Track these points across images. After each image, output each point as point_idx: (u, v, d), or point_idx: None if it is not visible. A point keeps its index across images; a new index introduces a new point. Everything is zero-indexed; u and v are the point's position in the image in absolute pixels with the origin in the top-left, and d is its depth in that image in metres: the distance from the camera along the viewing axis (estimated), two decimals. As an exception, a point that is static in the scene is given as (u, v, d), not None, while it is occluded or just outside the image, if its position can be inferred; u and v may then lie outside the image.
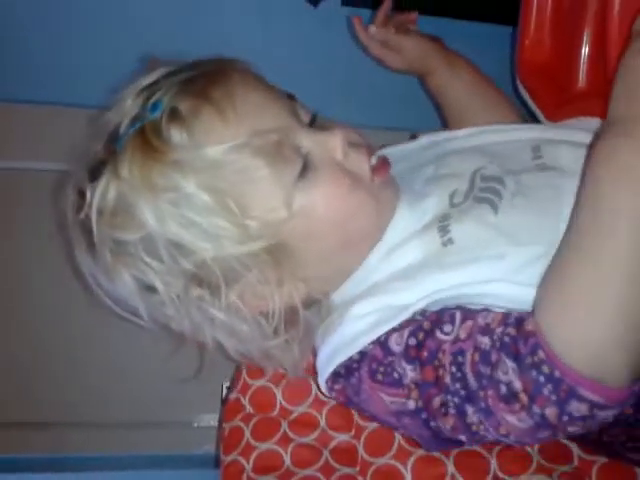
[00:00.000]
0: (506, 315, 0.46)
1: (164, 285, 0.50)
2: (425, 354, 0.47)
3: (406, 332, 0.49)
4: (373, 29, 0.72)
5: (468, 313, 0.48)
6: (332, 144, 0.52)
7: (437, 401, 0.47)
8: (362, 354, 0.50)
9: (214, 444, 1.02)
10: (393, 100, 1.11)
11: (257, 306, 0.52)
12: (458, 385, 0.46)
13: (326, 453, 0.61)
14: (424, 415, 0.48)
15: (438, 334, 0.48)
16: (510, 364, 0.43)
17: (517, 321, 0.45)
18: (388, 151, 0.65)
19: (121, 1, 1.07)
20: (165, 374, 1.03)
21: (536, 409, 0.42)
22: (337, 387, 0.53)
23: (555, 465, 0.57)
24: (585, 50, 0.60)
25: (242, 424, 0.65)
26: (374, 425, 0.61)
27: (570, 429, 0.43)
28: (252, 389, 0.66)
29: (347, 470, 0.60)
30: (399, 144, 0.68)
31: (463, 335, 0.47)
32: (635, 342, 0.41)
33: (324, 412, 0.64)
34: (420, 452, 0.58)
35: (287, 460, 0.61)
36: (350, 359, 0.51)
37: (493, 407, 0.44)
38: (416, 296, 0.50)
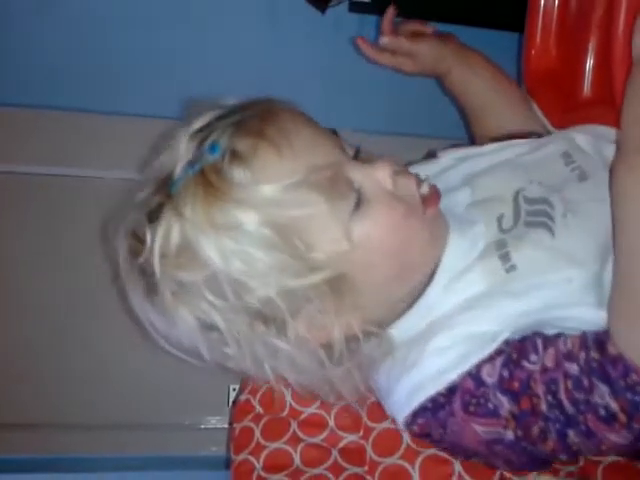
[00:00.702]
0: (583, 338, 0.49)
1: (226, 322, 0.51)
2: (517, 384, 0.49)
3: (498, 363, 0.50)
4: (385, 40, 0.73)
5: (548, 340, 0.50)
6: (381, 175, 0.53)
7: (536, 429, 0.49)
8: (451, 387, 0.51)
9: (220, 446, 1.04)
10: (405, 105, 1.11)
11: (319, 337, 0.53)
12: (557, 412, 0.48)
13: (335, 453, 0.62)
14: (524, 443, 0.50)
15: (526, 364, 0.50)
16: (604, 388, 0.46)
17: (597, 343, 0.48)
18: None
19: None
20: (173, 378, 1.05)
21: (635, 425, 0.46)
22: (420, 421, 0.53)
23: (561, 465, 0.58)
24: (590, 59, 0.62)
25: (252, 424, 0.66)
26: (382, 426, 0.62)
27: None
28: (262, 390, 0.67)
29: (355, 469, 0.61)
30: (418, 163, 0.68)
31: (550, 364, 0.49)
32: None
33: (333, 413, 0.65)
34: (428, 452, 0.59)
35: (297, 459, 0.62)
36: (437, 393, 0.52)
37: (594, 429, 0.47)
38: (494, 323, 0.51)
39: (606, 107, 0.57)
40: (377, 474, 0.60)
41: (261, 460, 0.62)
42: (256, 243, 0.49)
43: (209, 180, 0.49)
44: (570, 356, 0.48)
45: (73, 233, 1.08)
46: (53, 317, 1.06)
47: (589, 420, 0.47)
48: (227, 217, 0.49)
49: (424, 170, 0.65)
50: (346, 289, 0.52)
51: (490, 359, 0.51)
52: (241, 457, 0.64)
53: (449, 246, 0.56)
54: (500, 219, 0.57)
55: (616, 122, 0.53)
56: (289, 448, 0.63)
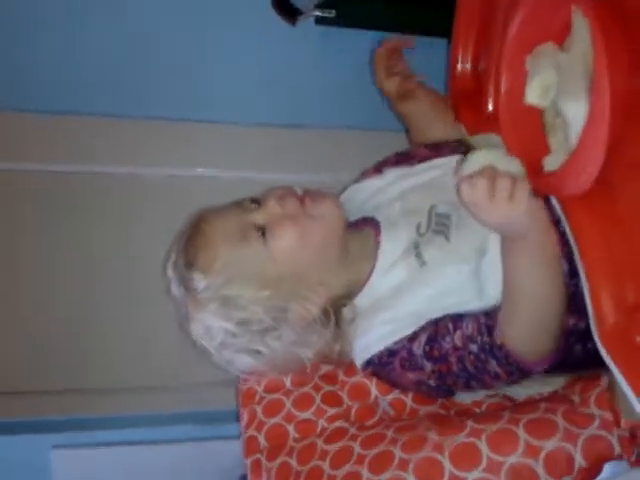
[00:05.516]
0: (479, 324, 0.73)
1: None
2: (437, 355, 0.74)
3: (423, 340, 0.75)
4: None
5: (455, 323, 0.74)
6: (269, 205, 0.79)
7: (449, 380, 0.76)
8: (393, 352, 0.77)
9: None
10: (367, 105, 1.25)
11: (307, 317, 0.79)
12: (464, 373, 0.74)
13: (316, 378, 0.85)
14: (440, 387, 0.77)
15: (442, 343, 0.74)
16: (493, 362, 0.72)
17: (487, 330, 0.72)
18: (366, 184, 0.92)
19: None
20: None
21: (510, 380, 0.75)
22: (370, 369, 0.80)
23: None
24: (491, 82, 0.80)
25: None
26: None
27: None
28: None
29: (330, 388, 0.84)
30: (369, 177, 0.93)
31: (459, 344, 0.73)
32: (552, 333, 0.72)
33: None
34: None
35: (287, 383, 0.84)
36: (381, 354, 0.78)
37: (488, 381, 0.75)
38: (415, 304, 0.76)
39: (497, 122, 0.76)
40: (346, 390, 0.83)
41: (262, 384, 0.85)
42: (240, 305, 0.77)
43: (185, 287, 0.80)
44: (472, 339, 0.73)
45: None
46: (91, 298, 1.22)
47: (485, 378, 0.74)
48: (205, 306, 0.78)
49: (375, 183, 0.90)
50: (295, 281, 0.78)
51: (416, 336, 0.75)
52: (247, 385, 0.86)
53: (383, 246, 0.82)
54: (418, 226, 0.81)
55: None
56: (282, 377, 0.85)
